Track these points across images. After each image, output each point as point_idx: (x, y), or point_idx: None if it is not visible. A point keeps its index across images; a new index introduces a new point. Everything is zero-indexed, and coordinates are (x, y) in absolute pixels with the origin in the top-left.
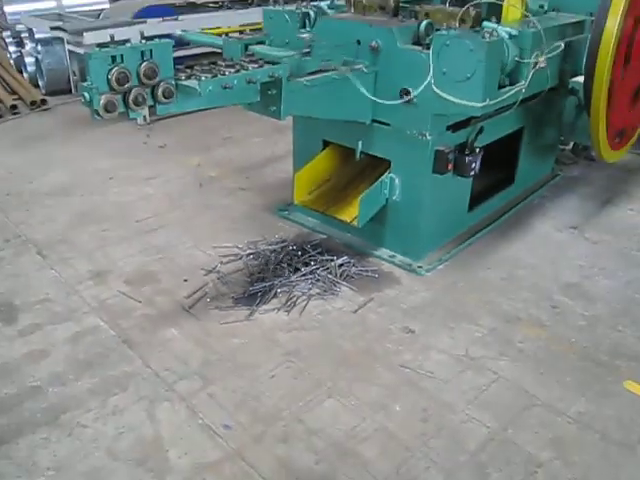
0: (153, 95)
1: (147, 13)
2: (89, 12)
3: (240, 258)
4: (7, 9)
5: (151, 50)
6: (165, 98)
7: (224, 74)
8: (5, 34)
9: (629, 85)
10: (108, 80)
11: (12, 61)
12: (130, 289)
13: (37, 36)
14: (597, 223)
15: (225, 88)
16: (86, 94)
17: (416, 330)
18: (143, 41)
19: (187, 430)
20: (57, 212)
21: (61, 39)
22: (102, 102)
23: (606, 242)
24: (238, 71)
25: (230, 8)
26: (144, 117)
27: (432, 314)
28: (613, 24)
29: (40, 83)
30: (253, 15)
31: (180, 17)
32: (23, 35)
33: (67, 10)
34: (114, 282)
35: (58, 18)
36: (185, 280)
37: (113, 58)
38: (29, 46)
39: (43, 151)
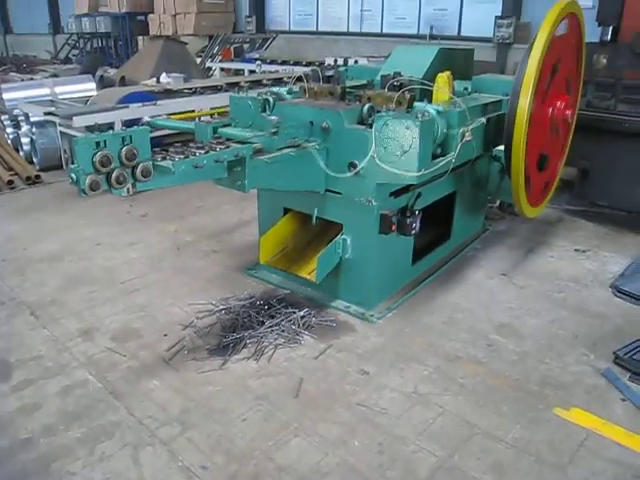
0: (133, 174)
1: (129, 99)
2: (78, 99)
3: (214, 313)
4: (5, 96)
5: (131, 136)
6: (143, 177)
7: (195, 155)
8: (3, 117)
9: (536, 152)
10: (93, 162)
11: (9, 141)
12: (116, 345)
13: (32, 119)
14: (523, 270)
15: (196, 167)
16: (73, 175)
17: (370, 372)
18: (124, 128)
19: (168, 472)
20: (49, 276)
21: (53, 122)
22: (87, 182)
23: (531, 286)
24: (207, 152)
25: (202, 93)
26: (127, 189)
27: (384, 357)
28: (524, 103)
29: (34, 160)
30: (222, 100)
31: (158, 102)
32: (20, 118)
33: (59, 97)
34: (101, 339)
35: (51, 104)
36: (165, 335)
37: (97, 143)
38: (25, 128)
39: (36, 221)
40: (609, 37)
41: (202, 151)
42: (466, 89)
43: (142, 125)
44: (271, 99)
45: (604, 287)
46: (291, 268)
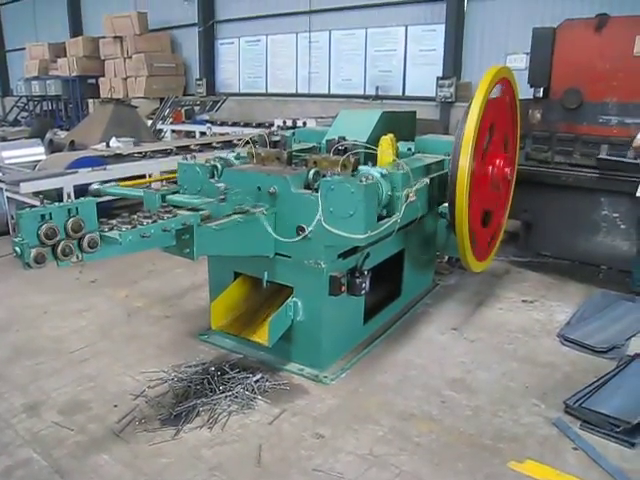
0: (79, 246)
1: (79, 164)
2: (26, 163)
3: (166, 382)
4: None
5: (77, 207)
6: (90, 248)
7: (142, 224)
8: None
9: (479, 208)
10: (38, 235)
11: None
12: (63, 419)
13: None
14: (473, 323)
15: (143, 237)
16: (17, 248)
17: (326, 435)
18: (70, 200)
19: None
20: None
21: (0, 187)
22: (32, 255)
23: (482, 339)
24: (155, 221)
25: (152, 157)
26: (77, 256)
27: (339, 419)
28: (465, 162)
29: None
30: (172, 164)
31: (108, 167)
32: None
33: (6, 161)
34: (47, 413)
35: None
36: (115, 406)
37: (42, 216)
38: None
39: None
40: (541, 94)
41: (149, 220)
42: (410, 149)
43: (91, 192)
44: (219, 165)
45: (552, 336)
46: (243, 332)
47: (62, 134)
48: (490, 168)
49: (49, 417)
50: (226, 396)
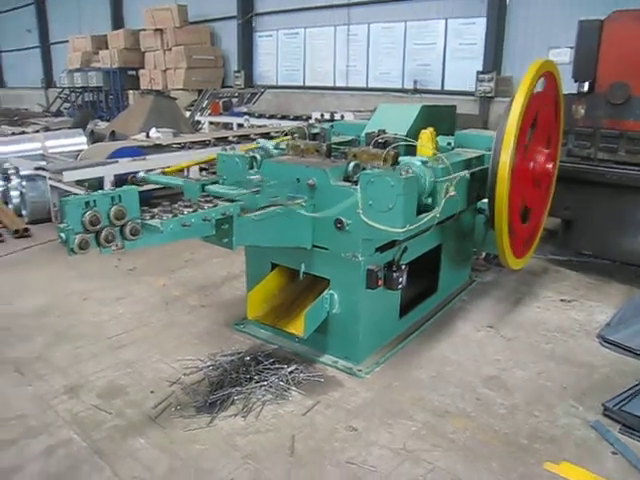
0: (122, 233)
1: (119, 154)
2: (69, 153)
3: (201, 370)
4: None
5: (120, 195)
6: (132, 236)
7: (183, 213)
8: None
9: (519, 204)
10: (82, 222)
11: None
12: (101, 402)
13: (22, 173)
14: (510, 321)
15: (184, 226)
16: (62, 234)
17: (359, 428)
18: (113, 187)
19: None
20: (35, 331)
21: (44, 175)
22: (77, 241)
23: (519, 338)
24: (195, 210)
25: (191, 148)
26: (118, 243)
27: (372, 413)
28: (506, 157)
29: (23, 213)
30: (210, 155)
31: (148, 157)
32: (10, 172)
33: (50, 150)
34: (86, 396)
35: (41, 158)
36: (152, 392)
37: (87, 203)
38: (15, 181)
39: (24, 274)
40: (586, 89)
41: (190, 209)
42: (449, 144)
43: (136, 180)
44: (258, 156)
45: (591, 337)
46: (279, 323)
47: (103, 125)
48: (531, 164)
49: (88, 400)
50: (261, 386)
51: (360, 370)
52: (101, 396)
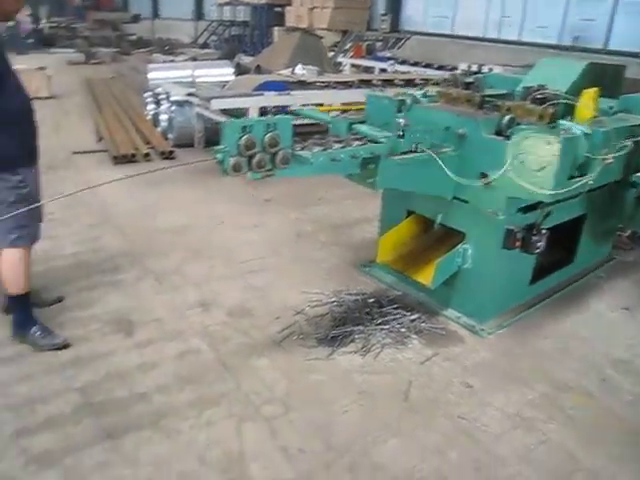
0: (273, 160)
1: (264, 87)
2: (216, 83)
3: (325, 304)
4: (150, 75)
5: (275, 123)
6: (282, 164)
7: (332, 148)
8: (146, 94)
9: None
10: (238, 145)
11: (149, 117)
12: (230, 320)
13: (172, 98)
14: None
15: (333, 160)
16: (219, 155)
17: (475, 386)
18: (269, 115)
19: (267, 449)
20: (174, 247)
21: (191, 103)
22: (232, 163)
23: None
24: (345, 147)
25: (334, 88)
26: (266, 170)
27: (490, 373)
28: None
29: (170, 137)
30: (353, 96)
31: (292, 92)
32: (160, 97)
33: (198, 79)
34: (217, 312)
35: (191, 85)
36: (277, 318)
37: (244, 127)
38: (164, 106)
39: (167, 193)
40: None
41: (340, 145)
42: (611, 108)
43: (290, 112)
44: (408, 100)
45: None
46: (407, 271)
47: (246, 59)
48: None
49: (218, 316)
50: (381, 329)
51: (483, 329)
52: (230, 314)
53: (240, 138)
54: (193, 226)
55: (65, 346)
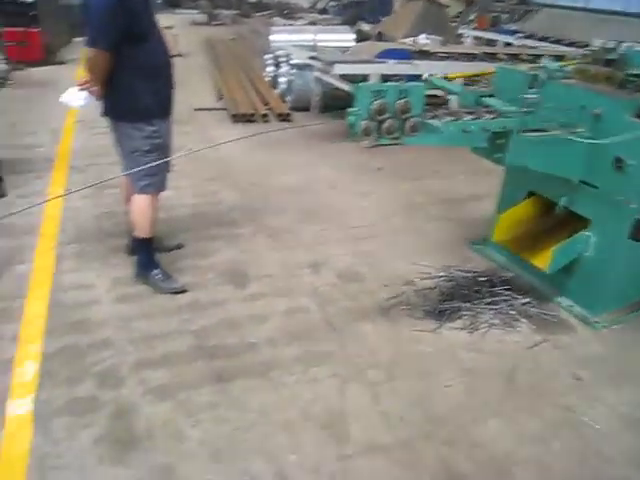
0: (401, 127)
1: (386, 55)
2: (337, 48)
3: (434, 278)
4: (272, 37)
5: (407, 90)
6: (411, 132)
7: (463, 119)
8: (266, 57)
9: None
10: (370, 110)
11: (268, 79)
12: (339, 282)
13: (293, 61)
14: None
15: (463, 132)
16: (352, 118)
17: (584, 379)
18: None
19: (368, 412)
20: (288, 206)
21: (311, 66)
22: (362, 126)
23: None
24: (476, 119)
25: (457, 59)
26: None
27: (602, 368)
28: None
29: (287, 99)
30: (476, 68)
31: (414, 61)
32: (280, 60)
33: (319, 44)
34: (327, 274)
35: (312, 49)
36: (385, 285)
37: (377, 92)
38: (284, 69)
39: (282, 154)
40: None
41: (471, 117)
42: None
43: (421, 81)
44: (542, 75)
45: None
46: (523, 253)
47: (365, 27)
48: None
49: (328, 277)
50: (490, 309)
51: (597, 322)
52: (340, 277)
53: (372, 102)
54: (306, 188)
55: (183, 291)
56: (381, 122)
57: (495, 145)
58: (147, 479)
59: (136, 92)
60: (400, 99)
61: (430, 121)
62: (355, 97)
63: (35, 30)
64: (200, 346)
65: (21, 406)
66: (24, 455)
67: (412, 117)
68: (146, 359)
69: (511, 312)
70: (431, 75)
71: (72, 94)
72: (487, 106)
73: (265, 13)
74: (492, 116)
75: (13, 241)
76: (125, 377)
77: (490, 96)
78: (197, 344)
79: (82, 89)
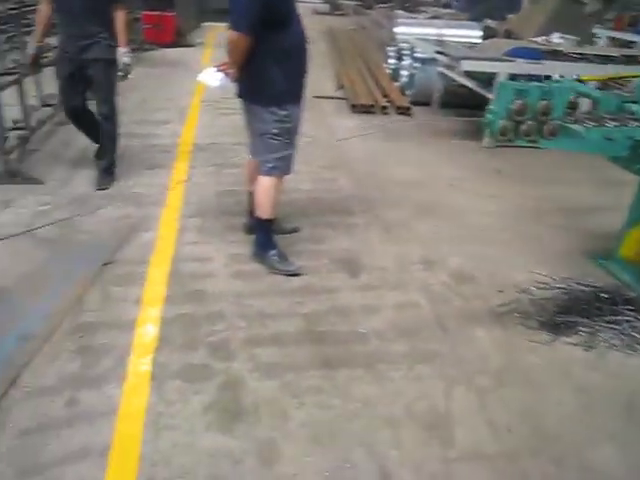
0: (540, 130)
1: (515, 53)
2: (463, 44)
3: (551, 289)
4: (397, 30)
5: (551, 91)
6: (550, 135)
7: (606, 126)
8: (389, 49)
9: None
10: (509, 109)
11: (389, 71)
12: (452, 283)
13: (416, 55)
14: None
15: (606, 139)
16: (490, 116)
17: None
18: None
19: (474, 418)
20: (403, 200)
21: (435, 61)
22: (500, 126)
23: None
24: (620, 126)
25: (591, 61)
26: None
27: None
28: None
29: (408, 93)
30: (610, 71)
31: (544, 62)
32: (403, 52)
33: (444, 39)
34: (440, 272)
35: (438, 44)
36: (500, 291)
37: (520, 91)
38: (407, 61)
39: (400, 147)
40: None
41: (615, 123)
42: None
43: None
44: None
45: None
46: None
47: (490, 23)
48: None
49: (440, 276)
50: (610, 328)
51: None
52: (452, 276)
53: (513, 102)
54: (423, 184)
55: (297, 274)
56: (519, 123)
57: (638, 155)
58: (252, 451)
59: (272, 77)
60: (542, 100)
61: (572, 125)
62: (496, 95)
63: (170, 14)
64: (310, 330)
65: (141, 365)
66: (141, 411)
67: (552, 120)
68: (257, 336)
69: (633, 334)
70: (562, 77)
71: (209, 74)
72: (632, 113)
73: (386, 5)
74: (637, 124)
75: (141, 210)
76: (236, 351)
77: (633, 102)
78: (307, 328)
79: (219, 70)
